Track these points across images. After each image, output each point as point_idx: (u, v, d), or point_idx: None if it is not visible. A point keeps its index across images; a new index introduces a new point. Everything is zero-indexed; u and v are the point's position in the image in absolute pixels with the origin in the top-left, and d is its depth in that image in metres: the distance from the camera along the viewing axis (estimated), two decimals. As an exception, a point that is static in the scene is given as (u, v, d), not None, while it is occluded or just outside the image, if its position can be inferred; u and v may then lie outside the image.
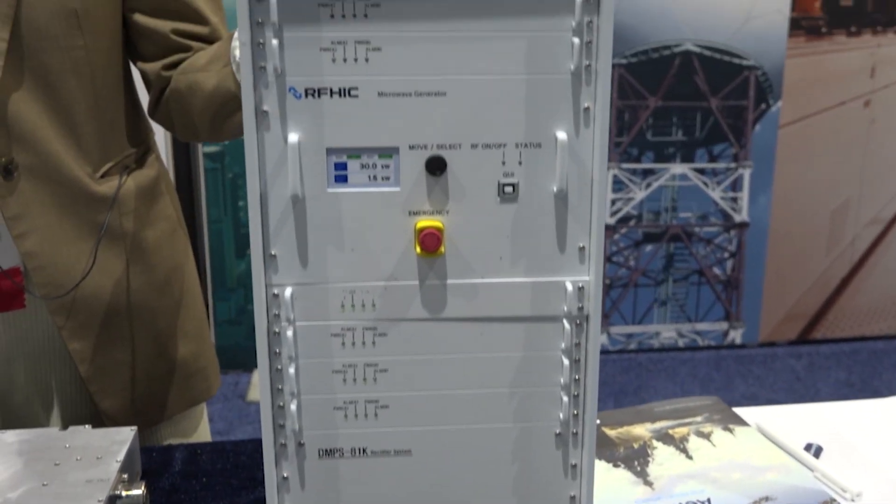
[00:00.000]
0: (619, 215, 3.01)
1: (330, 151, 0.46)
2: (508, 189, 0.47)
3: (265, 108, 0.45)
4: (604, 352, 3.09)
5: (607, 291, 3.08)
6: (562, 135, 0.46)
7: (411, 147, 0.46)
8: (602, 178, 0.47)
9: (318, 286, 0.47)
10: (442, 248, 0.47)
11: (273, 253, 0.47)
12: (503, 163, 0.47)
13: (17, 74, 0.82)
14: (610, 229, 3.01)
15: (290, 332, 0.47)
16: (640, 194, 3.01)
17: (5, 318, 0.89)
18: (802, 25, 2.91)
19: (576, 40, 0.45)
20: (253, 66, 0.44)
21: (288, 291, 0.47)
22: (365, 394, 0.48)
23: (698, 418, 0.85)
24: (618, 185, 2.98)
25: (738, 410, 0.88)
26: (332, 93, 0.45)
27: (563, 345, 0.49)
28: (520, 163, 0.47)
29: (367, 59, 0.45)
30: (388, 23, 0.44)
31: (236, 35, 0.79)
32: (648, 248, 3.12)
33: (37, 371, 0.92)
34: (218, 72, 0.83)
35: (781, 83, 2.96)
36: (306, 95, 0.45)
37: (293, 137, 0.45)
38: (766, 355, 3.09)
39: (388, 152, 0.46)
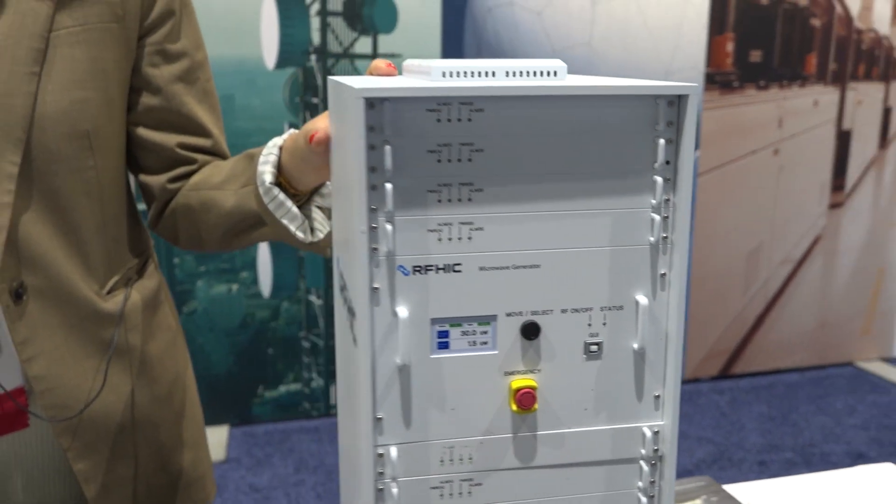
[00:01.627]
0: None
1: (434, 321, 0.49)
2: (594, 348, 0.51)
3: (376, 285, 0.48)
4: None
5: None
6: (642, 298, 0.51)
7: (508, 314, 0.50)
8: (677, 336, 0.51)
9: (419, 444, 0.51)
10: (535, 406, 0.51)
11: (379, 416, 0.50)
12: (589, 324, 0.51)
13: (27, 198, 0.82)
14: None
15: (395, 490, 0.50)
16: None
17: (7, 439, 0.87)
18: (717, 80, 3.08)
19: (656, 217, 0.50)
20: (368, 247, 0.47)
21: (394, 451, 0.50)
22: (461, 539, 0.52)
23: (697, 502, 0.91)
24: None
25: (728, 488, 0.95)
26: (437, 269, 0.49)
27: (640, 484, 0.54)
28: (604, 324, 0.51)
29: (469, 238, 0.49)
30: (490, 205, 0.48)
31: (262, 158, 0.81)
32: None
33: (36, 489, 0.91)
34: (236, 191, 0.85)
35: (699, 134, 3.13)
36: (413, 272, 0.48)
37: (402, 312, 0.48)
38: (691, 392, 3.22)
39: (487, 320, 0.50)
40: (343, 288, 0.59)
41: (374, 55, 2.80)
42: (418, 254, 0.48)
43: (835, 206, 3.31)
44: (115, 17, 0.84)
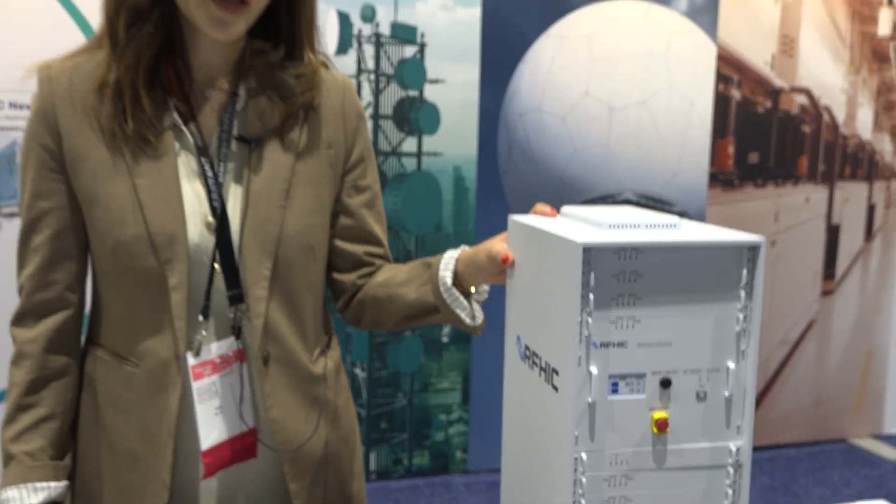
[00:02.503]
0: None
1: (611, 376, 0.82)
2: (702, 394, 0.84)
3: (579, 354, 0.81)
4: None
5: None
6: (731, 364, 0.84)
7: (653, 373, 0.83)
8: (751, 388, 0.84)
9: (598, 451, 0.83)
10: (667, 430, 0.83)
11: (576, 433, 0.82)
12: (699, 380, 0.84)
13: (273, 293, 1.14)
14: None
15: (584, 479, 0.82)
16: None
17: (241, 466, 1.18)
18: (719, 179, 3.46)
19: (740, 315, 0.83)
20: (578, 332, 0.81)
21: (584, 455, 0.82)
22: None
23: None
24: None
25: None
26: (614, 345, 0.82)
27: (727, 482, 0.86)
28: (708, 380, 0.84)
29: (633, 326, 0.82)
30: (644, 307, 0.82)
31: (443, 265, 1.14)
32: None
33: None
34: (416, 288, 1.18)
35: (704, 226, 3.49)
36: (601, 346, 0.82)
37: (594, 370, 0.81)
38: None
39: (641, 376, 0.83)
40: (531, 356, 0.92)
41: (419, 153, 3.17)
42: (603, 336, 0.81)
43: (826, 293, 3.66)
44: (330, 165, 1.19)
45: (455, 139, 3.17)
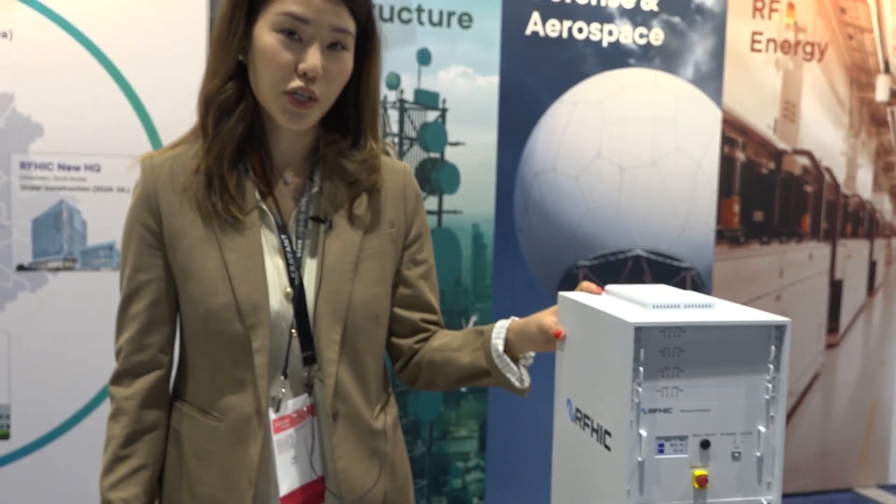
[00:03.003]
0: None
1: (657, 438, 0.95)
2: (737, 454, 0.97)
3: (630, 418, 0.94)
4: None
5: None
6: (762, 428, 0.97)
7: (694, 435, 0.96)
8: (780, 449, 0.97)
9: (647, 503, 0.95)
10: (707, 485, 0.96)
11: (628, 488, 0.94)
12: (734, 441, 0.97)
13: (342, 355, 1.27)
14: (577, 402, 3.51)
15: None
16: (601, 372, 3.54)
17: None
18: (725, 236, 3.60)
19: (769, 385, 0.96)
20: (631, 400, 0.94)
21: (635, 508, 0.95)
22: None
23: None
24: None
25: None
26: (660, 410, 0.95)
27: (760, 532, 0.98)
28: (742, 441, 0.97)
29: (676, 395, 0.95)
30: (687, 378, 0.95)
31: (495, 334, 1.27)
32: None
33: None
34: (470, 353, 1.31)
35: (711, 281, 3.61)
36: (649, 412, 0.94)
37: (643, 433, 0.94)
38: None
39: (683, 438, 0.95)
40: (582, 418, 1.04)
41: (440, 211, 3.31)
42: (651, 403, 0.94)
43: (830, 346, 3.78)
44: (392, 241, 1.33)
45: (474, 198, 3.32)
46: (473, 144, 3.28)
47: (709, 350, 0.95)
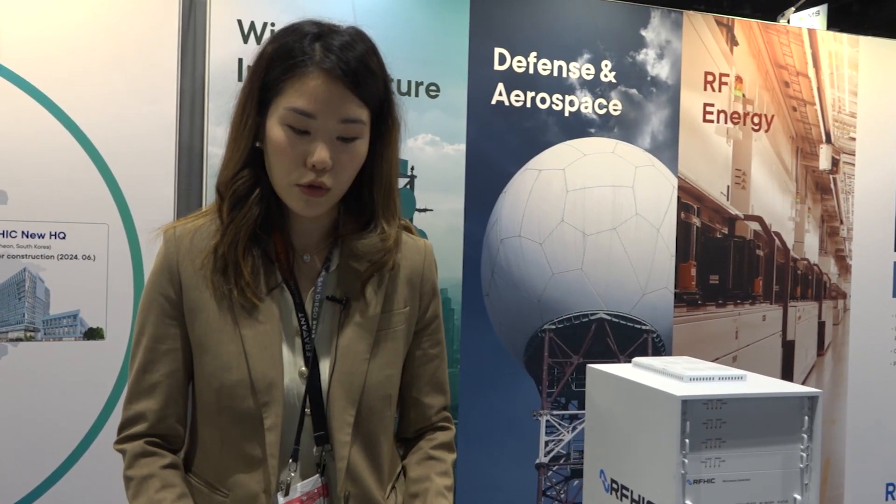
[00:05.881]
0: (552, 454, 3.54)
1: (702, 509, 0.97)
2: (775, 523, 1.00)
3: (677, 489, 0.96)
4: (542, 577, 3.51)
5: (543, 522, 3.54)
6: (798, 496, 1.00)
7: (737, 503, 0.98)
8: (815, 516, 1.00)
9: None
10: None
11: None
12: (772, 510, 1.00)
13: (355, 437, 1.27)
14: (543, 467, 3.52)
15: None
16: (567, 436, 3.57)
17: None
18: (684, 299, 3.69)
19: (803, 454, 1.00)
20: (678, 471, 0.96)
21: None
22: None
23: None
24: (550, 428, 3.53)
25: None
26: (703, 481, 0.97)
27: None
28: (779, 510, 1.00)
29: (718, 466, 0.98)
30: (730, 450, 0.98)
31: None
32: (576, 482, 3.65)
33: None
34: None
35: (671, 342, 3.70)
36: (694, 482, 0.97)
37: (688, 501, 0.97)
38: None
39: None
40: (619, 489, 1.06)
41: (408, 277, 3.33)
42: (696, 473, 0.97)
43: (786, 405, 3.88)
44: (406, 321, 1.34)
45: (442, 264, 3.31)
46: (441, 210, 3.32)
47: (748, 421, 0.98)
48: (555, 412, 3.53)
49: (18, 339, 2.77)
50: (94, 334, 2.85)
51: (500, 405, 3.42)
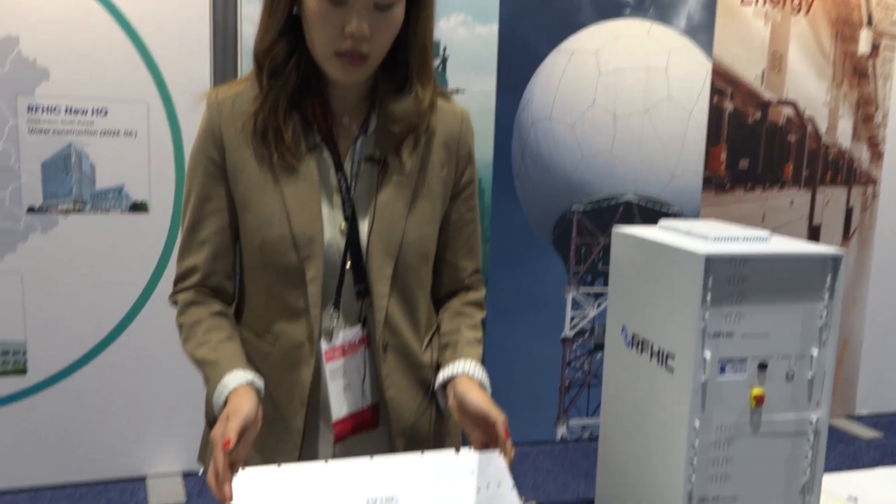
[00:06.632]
0: (577, 329, 3.66)
1: (720, 360, 1.06)
2: (790, 375, 1.08)
3: (696, 342, 1.05)
4: (563, 441, 3.69)
5: (566, 391, 3.71)
6: (815, 351, 1.08)
7: (753, 358, 1.07)
8: (831, 371, 1.09)
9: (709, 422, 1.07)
10: (763, 403, 1.07)
11: (695, 426, 1.05)
12: (789, 363, 1.08)
13: (392, 290, 1.34)
14: (568, 341, 3.66)
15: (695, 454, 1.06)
16: (592, 312, 3.68)
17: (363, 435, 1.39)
18: (712, 182, 3.71)
19: (824, 312, 1.07)
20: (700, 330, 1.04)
21: (696, 423, 1.06)
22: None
23: None
24: (576, 305, 3.64)
25: None
26: (723, 335, 1.05)
27: (809, 440, 1.10)
28: (796, 363, 1.08)
29: (738, 319, 1.05)
30: (751, 304, 1.05)
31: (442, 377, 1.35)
32: (598, 355, 3.78)
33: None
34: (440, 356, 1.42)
35: (698, 226, 3.75)
36: (712, 336, 1.05)
37: (707, 355, 1.05)
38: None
39: (744, 361, 1.06)
40: (639, 343, 1.15)
41: (440, 157, 3.37)
42: (716, 327, 1.05)
43: (808, 288, 3.94)
44: (443, 183, 1.39)
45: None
46: (473, 92, 3.33)
47: (770, 279, 1.05)
48: (581, 289, 3.63)
49: (68, 211, 2.88)
50: (138, 207, 2.95)
51: (529, 282, 3.53)
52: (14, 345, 2.91)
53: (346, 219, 1.30)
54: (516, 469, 3.39)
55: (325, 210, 1.30)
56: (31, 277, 2.87)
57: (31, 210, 2.85)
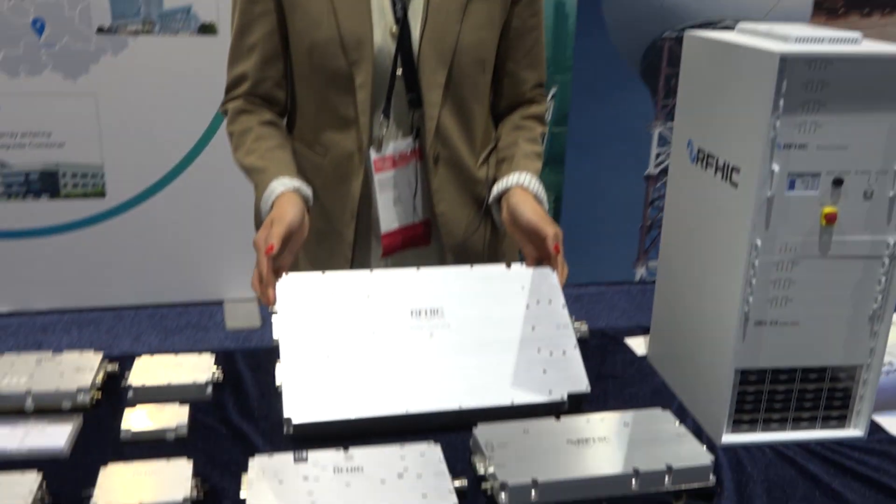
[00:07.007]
0: (662, 166, 3.50)
1: (790, 174, 0.93)
2: (868, 194, 0.95)
3: (763, 153, 0.92)
4: (642, 282, 3.62)
5: (648, 231, 3.60)
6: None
7: (827, 173, 0.94)
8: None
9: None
10: (835, 223, 0.95)
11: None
12: (868, 180, 0.94)
13: (446, 99, 1.26)
14: (652, 178, 3.51)
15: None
16: (679, 149, 3.50)
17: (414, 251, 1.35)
18: (824, 7, 3.38)
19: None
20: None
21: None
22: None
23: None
24: (662, 140, 3.46)
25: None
26: (795, 146, 0.92)
27: (882, 270, 0.98)
28: (876, 180, 0.95)
29: (814, 129, 0.92)
30: (825, 115, 0.92)
31: (495, 191, 1.23)
32: (684, 195, 3.62)
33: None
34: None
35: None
36: (783, 147, 0.92)
37: (776, 167, 0.93)
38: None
39: (816, 176, 0.94)
40: (704, 157, 1.03)
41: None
42: (788, 138, 0.92)
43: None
44: None
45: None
46: None
47: (855, 85, 0.91)
48: (669, 124, 3.44)
49: (137, 33, 2.84)
50: (207, 29, 2.88)
51: (612, 115, 3.35)
52: (92, 168, 2.97)
53: (398, 21, 1.21)
54: (591, 308, 3.36)
55: (376, 11, 1.22)
56: (104, 99, 2.88)
57: (100, 30, 2.81)
